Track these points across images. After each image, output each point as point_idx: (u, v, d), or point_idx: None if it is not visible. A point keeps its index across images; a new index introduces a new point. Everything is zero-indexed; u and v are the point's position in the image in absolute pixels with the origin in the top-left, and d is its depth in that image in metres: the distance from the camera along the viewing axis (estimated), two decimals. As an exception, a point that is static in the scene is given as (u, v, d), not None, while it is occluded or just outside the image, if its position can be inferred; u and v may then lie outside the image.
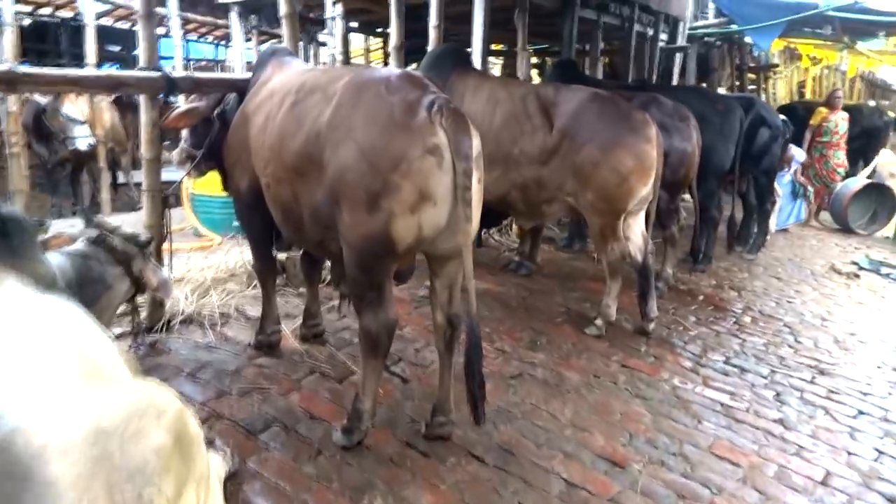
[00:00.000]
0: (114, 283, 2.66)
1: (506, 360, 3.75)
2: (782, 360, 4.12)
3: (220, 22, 9.40)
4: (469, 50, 5.36)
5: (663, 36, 9.40)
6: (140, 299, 3.15)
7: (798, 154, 7.62)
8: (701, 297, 5.19)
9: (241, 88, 3.49)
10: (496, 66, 16.35)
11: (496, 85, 4.31)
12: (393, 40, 4.75)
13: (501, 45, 12.39)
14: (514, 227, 6.27)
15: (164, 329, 3.75)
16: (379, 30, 9.68)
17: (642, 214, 4.25)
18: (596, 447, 2.91)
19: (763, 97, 14.28)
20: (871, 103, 14.47)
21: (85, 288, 2.49)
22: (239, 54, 7.77)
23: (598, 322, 4.21)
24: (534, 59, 15.49)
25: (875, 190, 8.76)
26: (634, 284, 4.30)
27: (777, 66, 14.10)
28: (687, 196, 5.36)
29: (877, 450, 3.12)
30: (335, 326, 4.00)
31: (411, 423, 2.97)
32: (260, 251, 3.51)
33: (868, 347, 4.47)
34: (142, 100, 3.57)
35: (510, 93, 4.21)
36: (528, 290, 4.97)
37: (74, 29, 10.72)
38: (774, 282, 5.90)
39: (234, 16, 7.75)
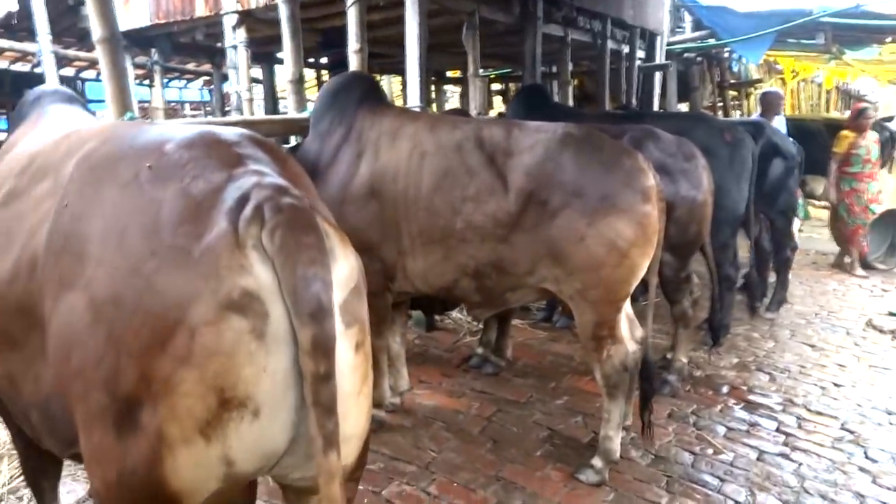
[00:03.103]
0: None
1: (460, 555, 2.42)
2: (862, 501, 2.85)
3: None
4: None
5: (640, 53, 8.28)
6: None
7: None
8: (726, 390, 3.91)
9: None
10: (454, 96, 15.20)
11: (422, 128, 2.94)
12: (289, 72, 3.46)
13: (459, 72, 11.26)
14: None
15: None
16: (311, 60, 8.44)
17: None
18: None
19: (744, 115, 13.31)
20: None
21: None
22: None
23: (597, 463, 2.89)
24: (496, 86, 14.38)
25: (892, 217, 7.61)
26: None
27: (760, 80, 13.13)
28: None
29: None
30: None
31: None
32: (24, 450, 2.01)
33: (966, 461, 3.22)
34: None
35: (441, 139, 2.87)
36: (496, 403, 3.62)
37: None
38: (808, 352, 4.65)
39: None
